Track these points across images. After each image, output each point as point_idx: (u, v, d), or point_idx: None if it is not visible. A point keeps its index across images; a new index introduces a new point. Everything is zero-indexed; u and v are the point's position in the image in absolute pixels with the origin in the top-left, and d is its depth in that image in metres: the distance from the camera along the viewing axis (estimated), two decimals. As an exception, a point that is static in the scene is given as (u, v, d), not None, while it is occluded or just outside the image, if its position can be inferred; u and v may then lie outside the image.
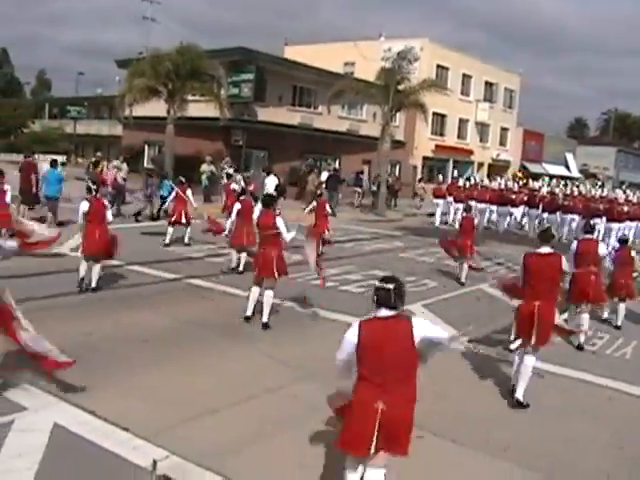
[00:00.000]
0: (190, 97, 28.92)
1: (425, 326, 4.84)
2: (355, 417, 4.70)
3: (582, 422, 7.33)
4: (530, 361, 7.55)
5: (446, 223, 28.32)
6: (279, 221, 9.89)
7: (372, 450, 4.64)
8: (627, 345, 10.53)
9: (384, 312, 4.77)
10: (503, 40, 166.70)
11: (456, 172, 45.23)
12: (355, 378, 4.81)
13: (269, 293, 9.94)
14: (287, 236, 9.92)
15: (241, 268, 13.96)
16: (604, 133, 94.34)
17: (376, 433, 4.58)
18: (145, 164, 36.09)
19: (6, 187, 14.94)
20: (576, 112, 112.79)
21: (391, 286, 4.76)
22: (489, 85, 56.26)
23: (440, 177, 34.50)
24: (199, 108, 29.03)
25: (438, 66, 49.01)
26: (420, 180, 41.41)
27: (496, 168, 56.41)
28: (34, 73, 75.10)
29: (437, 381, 8.10)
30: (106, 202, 11.72)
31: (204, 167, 27.97)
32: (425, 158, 49.92)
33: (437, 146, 50.61)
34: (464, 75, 52.67)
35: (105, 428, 6.11)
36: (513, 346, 9.18)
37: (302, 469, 5.75)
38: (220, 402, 7.00)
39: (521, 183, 32.62)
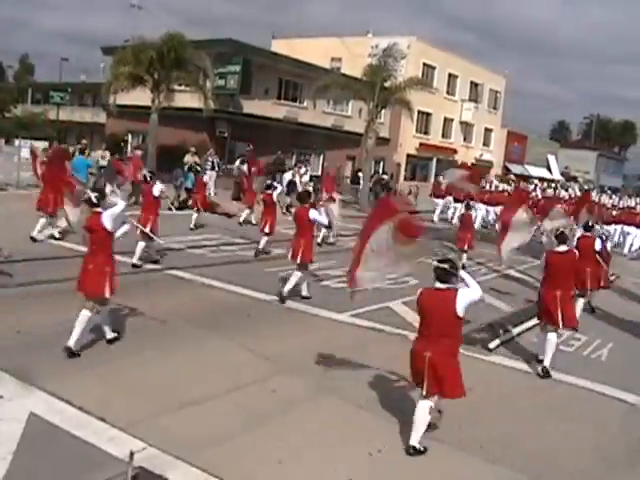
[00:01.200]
0: (176, 87, 28.71)
1: (465, 295, 6.05)
2: (412, 362, 6.26)
3: (559, 422, 7.40)
4: (553, 337, 8.93)
5: (446, 221, 28.61)
6: (313, 213, 11.65)
7: (425, 389, 6.08)
8: (603, 347, 10.64)
9: (439, 285, 6.14)
10: (490, 41, 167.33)
11: (433, 171, 45.59)
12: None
13: (297, 273, 11.47)
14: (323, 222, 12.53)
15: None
16: (586, 137, 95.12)
17: (427, 374, 6.03)
18: (129, 153, 35.79)
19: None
20: (559, 115, 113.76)
21: (446, 266, 6.12)
22: (475, 85, 56.45)
23: (441, 178, 34.80)
24: (184, 98, 28.84)
25: (425, 64, 49.06)
26: (413, 178, 41.94)
27: (479, 168, 56.71)
28: (17, 57, 74.19)
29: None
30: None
31: (187, 158, 27.76)
32: (409, 156, 50.01)
33: (421, 144, 50.73)
34: (450, 74, 52.79)
35: (81, 418, 6.07)
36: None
37: (280, 463, 5.74)
38: (199, 394, 6.96)
39: (513, 186, 33.08)
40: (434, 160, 52.71)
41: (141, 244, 12.82)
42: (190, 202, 20.98)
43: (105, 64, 36.91)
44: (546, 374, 8.72)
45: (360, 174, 34.39)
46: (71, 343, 7.51)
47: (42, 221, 14.27)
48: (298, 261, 11.47)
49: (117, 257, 12.96)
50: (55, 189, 13.59)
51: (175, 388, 7.09)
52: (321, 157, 40.13)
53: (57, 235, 14.61)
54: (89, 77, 56.92)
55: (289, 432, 6.35)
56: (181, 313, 9.87)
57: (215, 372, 7.72)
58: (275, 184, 17.17)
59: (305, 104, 38.09)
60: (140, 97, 29.13)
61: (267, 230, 15.52)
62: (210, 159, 26.70)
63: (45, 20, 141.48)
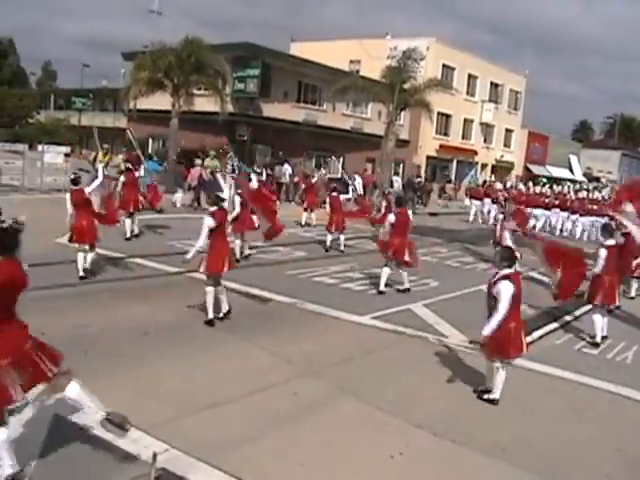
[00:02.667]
0: (195, 91, 28.89)
1: None
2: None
3: (581, 425, 7.33)
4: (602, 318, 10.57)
5: (482, 222, 29.01)
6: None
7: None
8: (628, 350, 10.51)
9: (509, 270, 7.27)
10: (509, 41, 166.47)
11: (453, 174, 45.53)
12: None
13: (402, 272, 13.07)
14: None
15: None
16: (609, 137, 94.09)
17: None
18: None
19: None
20: (581, 115, 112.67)
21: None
22: (495, 86, 56.13)
23: (480, 180, 35.15)
24: (204, 102, 29.04)
25: (444, 66, 48.89)
26: (433, 180, 42.45)
27: (500, 169, 56.37)
28: (40, 64, 74.96)
29: (435, 381, 8.13)
30: None
31: (208, 162, 27.88)
32: (429, 157, 49.85)
33: (441, 146, 50.54)
34: (470, 75, 52.56)
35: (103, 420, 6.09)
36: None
37: (301, 466, 5.74)
38: (220, 397, 6.99)
39: (547, 187, 33.73)
40: (454, 162, 52.50)
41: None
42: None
43: (125, 70, 37.19)
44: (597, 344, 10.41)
45: (395, 178, 34.42)
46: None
47: (127, 222, 15.73)
48: (406, 259, 12.69)
49: (139, 260, 13.29)
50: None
51: (196, 391, 7.12)
52: (340, 160, 40.11)
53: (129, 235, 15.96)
54: (110, 83, 57.38)
55: (310, 434, 6.35)
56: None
57: (236, 375, 7.73)
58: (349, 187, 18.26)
59: (324, 107, 38.12)
60: (160, 101, 29.36)
61: (333, 229, 17.51)
62: (230, 162, 26.77)
63: (67, 27, 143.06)
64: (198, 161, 25.19)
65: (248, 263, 14.61)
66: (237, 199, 13.80)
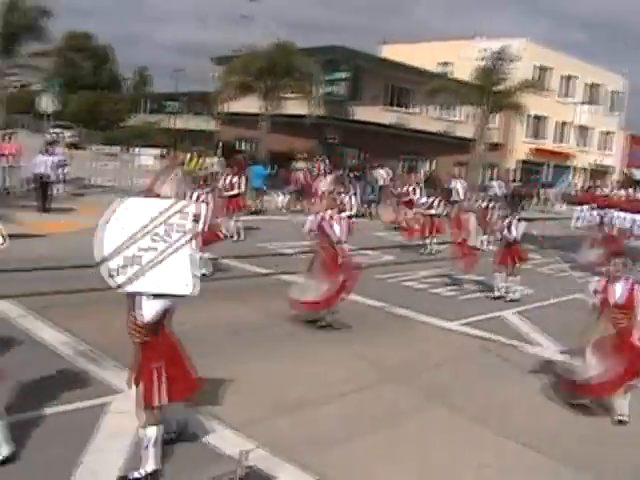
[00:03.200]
0: (285, 94, 29.19)
1: None
2: None
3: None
4: None
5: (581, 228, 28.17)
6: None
7: None
8: None
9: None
10: (606, 39, 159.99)
11: (548, 178, 44.32)
12: None
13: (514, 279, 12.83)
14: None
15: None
16: None
17: None
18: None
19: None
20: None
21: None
22: (591, 86, 54.14)
23: (574, 185, 34.46)
24: (293, 105, 29.27)
25: (537, 67, 47.59)
26: (544, 185, 41.70)
27: (596, 174, 54.39)
28: (135, 69, 77.46)
29: (529, 392, 7.84)
30: None
31: (300, 164, 28.11)
32: (521, 161, 48.60)
33: (534, 149, 49.18)
34: (564, 76, 50.94)
35: (195, 416, 6.17)
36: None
37: (388, 471, 5.66)
38: (310, 398, 6.98)
39: None
40: (548, 165, 50.94)
41: None
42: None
43: (216, 74, 37.98)
44: None
45: (494, 182, 33.66)
46: None
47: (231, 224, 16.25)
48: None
49: (232, 261, 13.46)
50: None
51: (286, 390, 7.12)
52: (431, 163, 39.66)
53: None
54: (202, 87, 58.78)
55: (397, 439, 6.23)
56: (293, 318, 9.93)
57: (325, 377, 7.69)
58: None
59: (414, 110, 37.79)
60: (250, 105, 29.81)
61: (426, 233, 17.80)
62: (321, 166, 26.90)
63: (160, 34, 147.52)
64: (301, 164, 25.56)
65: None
66: None
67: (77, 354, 7.63)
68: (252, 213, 21.86)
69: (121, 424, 5.87)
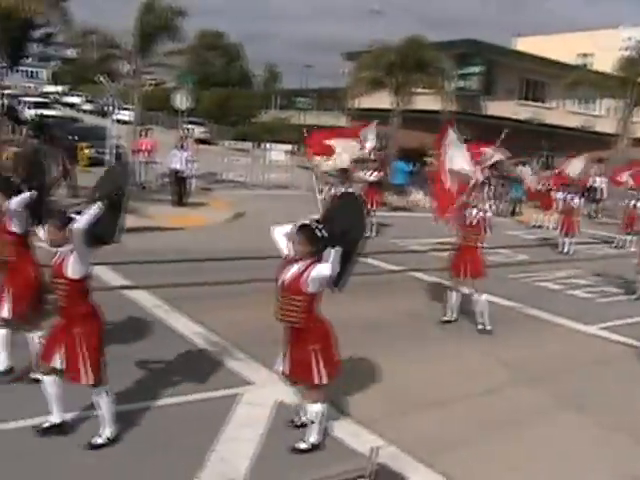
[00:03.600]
0: (416, 90, 28.86)
1: None
2: None
3: None
4: None
5: None
6: None
7: None
8: None
9: None
10: None
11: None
12: None
13: None
14: None
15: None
16: None
17: None
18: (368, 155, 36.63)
19: None
20: None
21: None
22: None
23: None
24: (424, 101, 28.89)
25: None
26: None
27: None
28: (262, 66, 79.20)
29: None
30: None
31: (432, 160, 27.75)
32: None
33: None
34: None
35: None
36: None
37: (513, 475, 5.51)
38: (437, 397, 6.89)
39: None
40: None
41: None
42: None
43: (346, 69, 38.12)
44: None
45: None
46: None
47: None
48: None
49: (362, 258, 13.33)
50: None
51: (414, 389, 7.06)
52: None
53: None
54: (332, 82, 59.30)
55: (524, 444, 6.02)
56: (424, 316, 9.80)
57: (452, 376, 7.56)
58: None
59: (550, 104, 36.32)
60: (380, 100, 29.68)
61: (563, 231, 17.09)
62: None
63: (289, 31, 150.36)
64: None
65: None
66: None
67: (210, 345, 7.88)
68: (394, 210, 21.84)
69: (252, 415, 6.02)
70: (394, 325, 9.28)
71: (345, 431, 5.89)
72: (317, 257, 5.26)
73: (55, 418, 5.33)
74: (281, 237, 5.59)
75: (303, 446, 5.47)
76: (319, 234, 5.26)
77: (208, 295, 10.07)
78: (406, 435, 5.88)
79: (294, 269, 5.28)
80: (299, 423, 5.79)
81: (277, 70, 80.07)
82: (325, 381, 5.37)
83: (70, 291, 5.09)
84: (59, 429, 5.34)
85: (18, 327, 6.30)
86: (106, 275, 10.58)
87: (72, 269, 5.04)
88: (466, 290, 9.61)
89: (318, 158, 11.52)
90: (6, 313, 6.18)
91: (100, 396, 5.22)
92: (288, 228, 5.50)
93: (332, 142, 11.60)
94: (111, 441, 5.28)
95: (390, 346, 8.28)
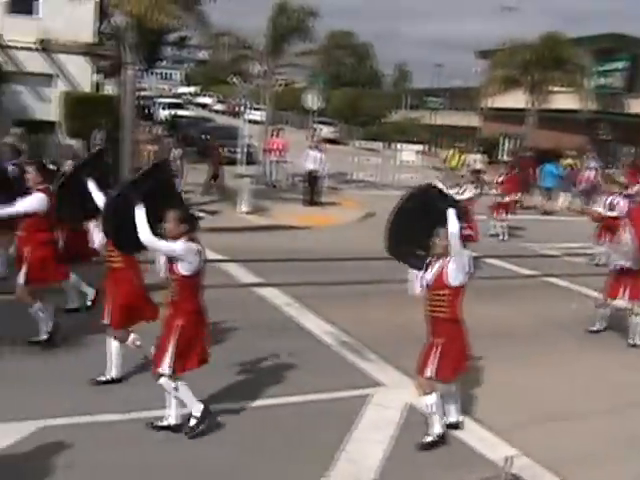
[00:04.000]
0: (552, 88, 27.80)
1: None
2: None
3: None
4: None
5: None
6: None
7: None
8: None
9: None
10: None
11: None
12: None
13: None
14: None
15: None
16: None
17: None
18: (500, 156, 35.69)
19: None
20: None
21: None
22: None
23: None
24: (561, 99, 27.78)
25: None
26: None
27: None
28: (392, 66, 78.86)
29: None
30: None
31: (568, 161, 26.58)
32: None
33: None
34: None
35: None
36: None
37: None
38: (574, 409, 6.67)
39: None
40: None
41: None
42: None
43: (478, 68, 37.32)
44: None
45: None
46: None
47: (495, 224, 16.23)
48: None
49: (494, 261, 13.07)
50: None
51: (552, 399, 6.85)
52: None
53: None
54: (463, 81, 58.20)
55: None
56: (562, 323, 9.44)
57: (590, 388, 7.26)
58: None
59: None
60: (515, 99, 28.84)
61: None
62: (592, 164, 25.22)
63: (421, 29, 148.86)
64: (568, 162, 24.28)
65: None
66: None
67: (340, 344, 7.98)
68: (543, 213, 21.25)
69: (382, 417, 6.07)
70: (528, 332, 9.02)
71: (476, 438, 5.82)
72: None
73: (174, 420, 5.54)
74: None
75: (429, 439, 5.56)
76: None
77: (339, 294, 10.17)
78: (538, 447, 5.71)
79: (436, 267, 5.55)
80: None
81: (406, 69, 79.73)
82: (431, 375, 5.48)
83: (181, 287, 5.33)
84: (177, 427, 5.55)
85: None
86: (237, 272, 10.93)
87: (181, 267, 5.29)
88: (622, 304, 9.07)
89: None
90: (108, 320, 6.29)
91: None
92: None
93: None
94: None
95: (524, 354, 8.08)
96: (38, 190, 7.02)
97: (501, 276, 12.23)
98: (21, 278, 7.09)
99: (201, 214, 5.48)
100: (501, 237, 16.10)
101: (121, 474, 4.91)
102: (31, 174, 7.13)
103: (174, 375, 5.32)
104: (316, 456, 5.31)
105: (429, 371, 5.47)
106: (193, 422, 5.45)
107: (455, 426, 5.87)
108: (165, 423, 5.52)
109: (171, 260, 5.32)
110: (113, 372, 6.33)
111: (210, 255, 12.14)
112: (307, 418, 5.98)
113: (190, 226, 5.37)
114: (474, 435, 5.86)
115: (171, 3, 13.42)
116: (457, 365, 5.58)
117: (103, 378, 6.28)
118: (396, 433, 5.78)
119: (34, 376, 6.27)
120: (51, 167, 7.28)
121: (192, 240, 5.35)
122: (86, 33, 19.68)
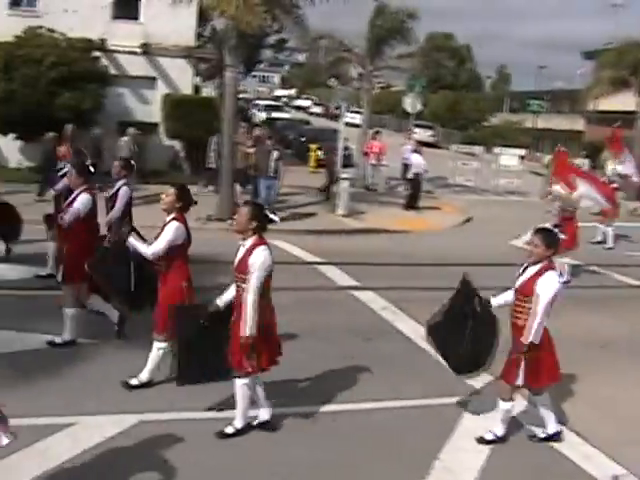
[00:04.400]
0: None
1: None
2: None
3: None
4: None
5: None
6: None
7: None
8: None
9: None
10: None
11: None
12: None
13: None
14: None
15: None
16: None
17: None
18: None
19: None
20: None
21: None
22: None
23: None
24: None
25: None
26: None
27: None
28: (494, 68, 77.21)
29: None
30: None
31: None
32: None
33: None
34: None
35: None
36: None
37: None
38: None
39: None
40: None
41: None
42: None
43: (584, 69, 36.02)
44: None
45: None
46: None
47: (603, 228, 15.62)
48: None
49: (597, 269, 12.62)
50: None
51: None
52: None
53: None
54: (566, 83, 56.36)
55: None
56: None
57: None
58: None
59: None
60: (623, 102, 27.65)
61: None
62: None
63: (521, 30, 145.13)
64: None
65: None
66: None
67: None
68: None
69: (479, 425, 5.92)
70: (634, 345, 8.58)
71: (579, 453, 5.60)
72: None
73: (265, 414, 5.55)
74: None
75: (489, 437, 5.64)
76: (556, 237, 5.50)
77: (429, 299, 9.94)
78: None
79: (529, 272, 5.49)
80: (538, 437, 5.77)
81: (506, 71, 77.97)
82: (519, 383, 5.46)
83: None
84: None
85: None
86: (334, 274, 10.95)
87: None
88: None
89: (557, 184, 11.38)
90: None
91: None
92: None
93: (578, 181, 11.30)
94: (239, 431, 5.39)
95: (630, 368, 7.72)
96: (83, 191, 6.90)
97: (608, 286, 11.78)
98: (59, 277, 6.99)
99: (275, 217, 5.38)
100: (608, 245, 15.47)
101: (223, 474, 4.97)
102: (72, 176, 7.04)
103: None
104: (411, 462, 5.26)
105: (519, 379, 5.41)
106: (231, 430, 5.39)
107: (555, 438, 5.68)
108: (256, 422, 5.53)
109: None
110: None
111: (307, 257, 12.44)
112: (402, 423, 5.92)
113: (261, 225, 5.31)
114: (576, 449, 5.64)
115: (259, 5, 13.54)
116: (547, 374, 5.46)
117: None
118: (493, 445, 5.61)
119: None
120: (91, 169, 7.17)
121: (260, 239, 5.28)
122: (187, 36, 20.17)
